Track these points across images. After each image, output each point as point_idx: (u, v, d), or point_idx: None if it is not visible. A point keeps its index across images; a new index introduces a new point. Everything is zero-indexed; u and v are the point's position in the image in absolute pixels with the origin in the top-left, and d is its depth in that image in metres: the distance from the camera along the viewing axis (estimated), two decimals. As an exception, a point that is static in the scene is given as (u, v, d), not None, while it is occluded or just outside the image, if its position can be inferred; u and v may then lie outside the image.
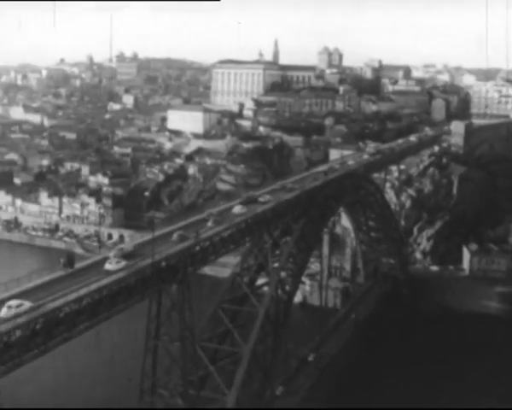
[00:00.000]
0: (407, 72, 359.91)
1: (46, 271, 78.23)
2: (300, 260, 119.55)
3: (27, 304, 65.55)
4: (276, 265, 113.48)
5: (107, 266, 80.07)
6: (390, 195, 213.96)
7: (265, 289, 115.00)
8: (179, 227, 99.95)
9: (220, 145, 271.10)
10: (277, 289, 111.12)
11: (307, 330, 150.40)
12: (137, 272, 78.37)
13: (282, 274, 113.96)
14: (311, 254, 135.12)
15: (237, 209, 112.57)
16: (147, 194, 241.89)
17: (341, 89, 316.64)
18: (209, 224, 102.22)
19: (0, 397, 58.55)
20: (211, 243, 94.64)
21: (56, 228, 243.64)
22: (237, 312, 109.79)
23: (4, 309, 64.38)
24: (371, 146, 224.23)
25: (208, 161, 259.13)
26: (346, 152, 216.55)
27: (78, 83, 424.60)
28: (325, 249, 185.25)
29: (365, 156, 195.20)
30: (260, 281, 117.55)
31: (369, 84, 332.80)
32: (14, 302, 65.19)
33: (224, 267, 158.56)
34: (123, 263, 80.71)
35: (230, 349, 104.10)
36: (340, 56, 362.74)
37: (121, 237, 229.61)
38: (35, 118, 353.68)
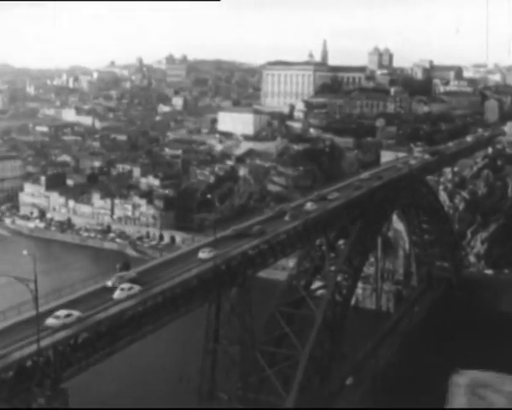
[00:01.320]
0: (458, 72, 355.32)
1: (102, 276, 77.79)
2: (357, 263, 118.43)
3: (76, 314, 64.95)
4: (332, 268, 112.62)
5: None
6: (443, 197, 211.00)
7: (322, 292, 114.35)
8: (258, 221, 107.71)
9: (271, 147, 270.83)
10: (334, 293, 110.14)
11: (361, 334, 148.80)
12: (198, 276, 78.17)
13: (339, 277, 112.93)
14: (367, 258, 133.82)
15: (309, 206, 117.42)
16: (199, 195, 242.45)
17: (392, 90, 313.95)
18: (286, 218, 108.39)
19: (68, 399, 58.70)
20: (270, 246, 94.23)
21: (108, 229, 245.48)
22: (294, 315, 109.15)
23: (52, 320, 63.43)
24: (417, 150, 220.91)
25: (259, 162, 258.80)
26: (400, 154, 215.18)
27: (128, 85, 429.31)
28: (378, 252, 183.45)
29: (414, 159, 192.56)
30: (316, 284, 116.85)
31: (420, 85, 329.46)
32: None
33: (275, 270, 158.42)
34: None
35: (288, 353, 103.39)
36: (391, 57, 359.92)
37: (172, 239, 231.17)
38: (86, 120, 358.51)
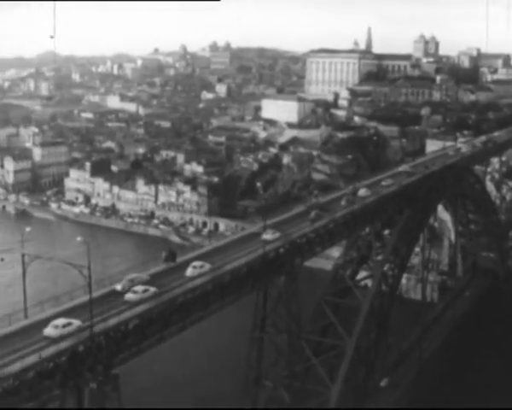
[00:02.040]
0: (506, 60, 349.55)
1: (149, 263, 77.92)
2: (403, 253, 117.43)
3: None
4: (379, 257, 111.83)
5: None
6: (490, 187, 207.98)
7: (368, 282, 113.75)
8: (312, 205, 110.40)
9: (315, 135, 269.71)
10: (381, 283, 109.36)
11: (406, 325, 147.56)
12: (247, 264, 78.07)
13: (386, 267, 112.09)
14: (414, 248, 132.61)
15: (362, 192, 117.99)
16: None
17: (438, 78, 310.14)
18: (342, 202, 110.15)
19: (119, 384, 59.20)
20: (317, 235, 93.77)
21: (152, 215, 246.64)
22: (340, 304, 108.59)
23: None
24: (461, 140, 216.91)
25: (303, 150, 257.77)
26: (447, 143, 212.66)
27: (172, 72, 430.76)
28: (424, 242, 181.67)
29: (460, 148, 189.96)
30: (362, 274, 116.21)
31: (466, 74, 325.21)
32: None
33: (319, 258, 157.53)
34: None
35: (333, 342, 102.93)
36: (437, 45, 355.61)
37: (216, 226, 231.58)
38: (131, 107, 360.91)
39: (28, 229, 70.97)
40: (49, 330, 58.15)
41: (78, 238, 65.08)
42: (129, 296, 67.14)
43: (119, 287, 69.29)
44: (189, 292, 69.27)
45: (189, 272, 74.44)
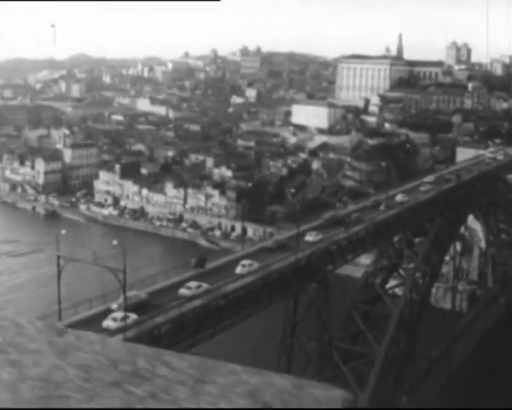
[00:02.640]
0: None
1: (179, 269, 77.81)
2: (435, 262, 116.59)
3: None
4: (410, 266, 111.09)
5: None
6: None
7: (398, 290, 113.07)
8: (356, 209, 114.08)
9: (345, 141, 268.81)
10: (412, 291, 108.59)
11: (435, 334, 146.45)
12: (279, 270, 77.89)
13: (417, 276, 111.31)
14: (445, 257, 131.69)
15: (400, 197, 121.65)
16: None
17: (470, 85, 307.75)
18: (382, 208, 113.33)
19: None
20: (349, 242, 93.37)
21: (180, 219, 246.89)
22: (370, 312, 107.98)
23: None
24: (489, 150, 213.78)
25: (332, 156, 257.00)
26: (478, 151, 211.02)
27: (202, 76, 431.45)
28: (455, 251, 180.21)
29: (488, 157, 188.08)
30: (392, 282, 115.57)
31: (499, 81, 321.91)
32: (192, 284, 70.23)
33: (348, 265, 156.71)
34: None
35: (363, 350, 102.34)
36: (469, 52, 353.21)
37: (244, 230, 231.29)
38: (160, 110, 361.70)
39: (64, 231, 70.68)
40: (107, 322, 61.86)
41: (114, 242, 64.96)
42: (183, 291, 69.46)
43: (114, 306, 65.16)
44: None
45: (239, 270, 77.71)
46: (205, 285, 70.55)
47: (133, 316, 64.07)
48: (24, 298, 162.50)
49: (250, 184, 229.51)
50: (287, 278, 79.27)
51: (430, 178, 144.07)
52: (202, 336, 66.65)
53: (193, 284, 70.53)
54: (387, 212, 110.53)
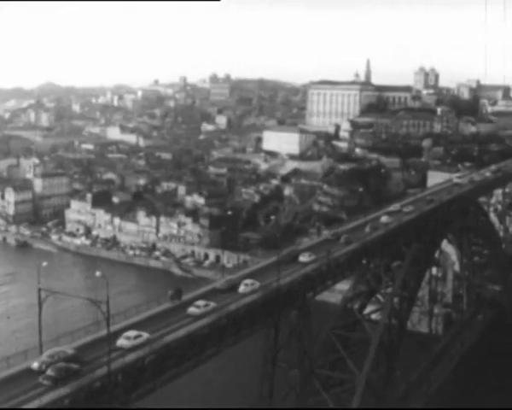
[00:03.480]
0: (506, 92, 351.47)
1: (154, 303, 76.25)
2: (412, 287, 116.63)
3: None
4: (388, 290, 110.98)
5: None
6: (493, 219, 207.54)
7: (376, 315, 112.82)
8: (344, 230, 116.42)
9: (316, 166, 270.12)
10: (390, 317, 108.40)
11: (412, 358, 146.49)
12: (263, 297, 77.41)
13: (395, 300, 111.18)
14: (422, 281, 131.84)
15: (384, 219, 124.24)
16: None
17: (439, 110, 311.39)
18: (367, 229, 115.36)
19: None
20: (328, 269, 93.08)
21: (153, 247, 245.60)
22: (349, 338, 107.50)
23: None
24: (456, 175, 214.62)
25: (304, 182, 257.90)
26: (446, 175, 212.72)
27: (172, 104, 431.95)
28: (431, 275, 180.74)
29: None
30: (371, 307, 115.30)
31: (467, 105, 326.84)
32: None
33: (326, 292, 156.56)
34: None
35: (343, 376, 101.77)
36: (437, 77, 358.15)
37: (217, 258, 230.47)
38: (131, 138, 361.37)
39: (45, 263, 69.44)
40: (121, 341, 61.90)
41: (97, 273, 63.57)
42: (192, 310, 71.53)
43: (35, 365, 57.68)
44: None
45: (242, 289, 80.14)
46: (212, 304, 72.75)
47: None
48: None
49: (228, 212, 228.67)
50: (267, 305, 78.73)
51: (396, 206, 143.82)
52: (186, 366, 65.85)
53: (201, 303, 73.01)
54: (372, 234, 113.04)
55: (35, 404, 51.27)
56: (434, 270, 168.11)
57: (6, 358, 56.33)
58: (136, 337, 63.04)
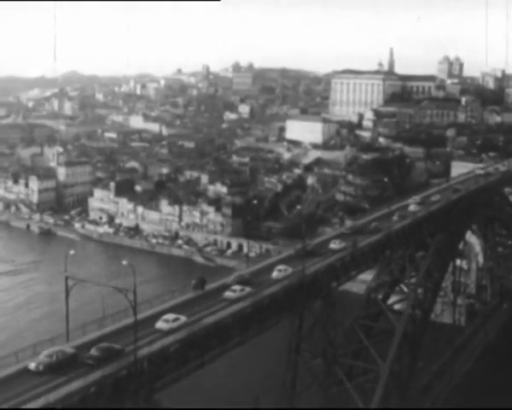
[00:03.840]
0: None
1: (177, 292, 76.37)
2: (437, 277, 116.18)
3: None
4: (412, 281, 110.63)
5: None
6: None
7: (400, 305, 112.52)
8: (374, 218, 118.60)
9: (339, 156, 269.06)
10: (414, 307, 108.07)
11: (435, 349, 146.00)
12: (286, 287, 77.37)
13: (419, 291, 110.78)
14: (446, 271, 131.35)
15: (412, 207, 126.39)
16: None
17: (463, 99, 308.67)
18: (395, 217, 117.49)
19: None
20: (352, 258, 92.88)
21: (176, 236, 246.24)
22: (372, 328, 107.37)
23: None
24: (479, 166, 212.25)
25: (327, 171, 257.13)
26: (470, 165, 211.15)
27: (194, 92, 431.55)
28: (455, 266, 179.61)
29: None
30: (394, 297, 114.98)
31: (491, 95, 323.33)
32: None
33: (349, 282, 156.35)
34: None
35: (367, 366, 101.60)
36: (461, 66, 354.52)
37: (240, 247, 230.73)
38: (154, 127, 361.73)
39: (72, 252, 69.71)
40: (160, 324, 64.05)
41: (124, 262, 63.82)
42: (228, 294, 73.69)
43: (32, 365, 55.15)
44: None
45: (275, 274, 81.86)
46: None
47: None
48: (24, 318, 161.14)
49: (240, 200, 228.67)
50: (292, 295, 78.72)
51: (416, 198, 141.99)
52: (211, 354, 66.01)
53: (237, 287, 74.86)
54: (401, 222, 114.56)
55: (80, 383, 51.97)
56: (458, 261, 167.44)
57: (34, 345, 56.64)
58: (174, 320, 65.05)
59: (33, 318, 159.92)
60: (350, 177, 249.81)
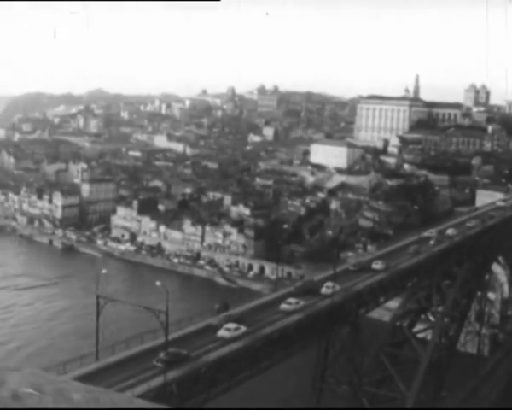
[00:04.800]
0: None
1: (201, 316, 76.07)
2: (463, 306, 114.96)
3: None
4: (439, 309, 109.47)
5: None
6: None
7: (425, 334, 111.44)
8: (410, 242, 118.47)
9: (363, 181, 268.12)
10: (441, 336, 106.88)
11: (458, 377, 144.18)
12: (314, 313, 76.69)
13: (446, 320, 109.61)
14: (473, 301, 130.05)
15: (450, 231, 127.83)
16: (289, 227, 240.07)
17: (490, 128, 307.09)
18: (431, 242, 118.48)
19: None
20: (381, 286, 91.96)
21: (198, 256, 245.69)
22: (397, 356, 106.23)
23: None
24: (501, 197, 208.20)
25: (351, 196, 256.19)
26: (496, 194, 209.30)
27: (219, 114, 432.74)
28: (482, 295, 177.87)
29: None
30: (419, 326, 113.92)
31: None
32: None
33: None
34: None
35: (391, 395, 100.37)
36: (487, 94, 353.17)
37: (262, 269, 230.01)
38: (178, 147, 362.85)
39: (104, 271, 69.42)
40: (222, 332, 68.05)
41: (157, 283, 63.51)
42: (284, 307, 76.61)
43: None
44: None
45: (324, 290, 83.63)
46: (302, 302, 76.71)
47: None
48: (48, 334, 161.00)
49: (263, 222, 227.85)
50: (320, 321, 77.95)
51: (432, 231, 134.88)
52: (238, 379, 65.36)
53: (293, 300, 77.89)
54: (438, 245, 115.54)
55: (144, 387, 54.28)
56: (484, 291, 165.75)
57: (63, 363, 56.14)
58: (235, 329, 68.88)
59: (58, 333, 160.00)
60: (374, 202, 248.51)
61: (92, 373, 55.08)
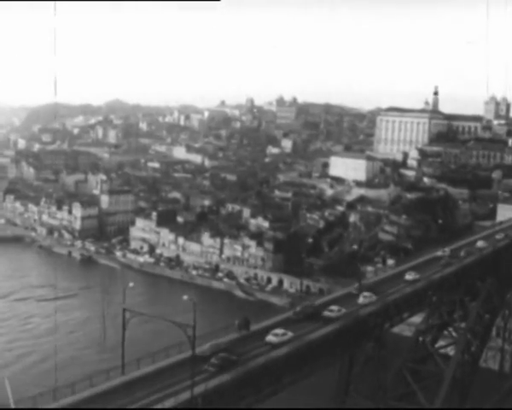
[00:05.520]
0: None
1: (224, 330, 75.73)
2: (487, 322, 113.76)
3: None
4: (462, 325, 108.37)
5: None
6: None
7: (448, 349, 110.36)
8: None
9: (383, 194, 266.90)
10: (464, 352, 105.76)
11: (479, 393, 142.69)
12: (339, 328, 76.08)
13: (469, 336, 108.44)
14: (497, 317, 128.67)
15: (480, 243, 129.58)
16: (310, 240, 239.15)
17: (510, 141, 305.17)
18: (462, 253, 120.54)
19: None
20: (405, 301, 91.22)
21: (216, 268, 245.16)
22: (420, 371, 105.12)
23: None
24: None
25: (370, 209, 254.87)
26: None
27: (238, 125, 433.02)
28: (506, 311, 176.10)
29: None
30: (442, 341, 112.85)
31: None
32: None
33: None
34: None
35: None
36: (508, 106, 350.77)
37: (280, 282, 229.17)
38: (196, 158, 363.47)
39: (131, 284, 69.16)
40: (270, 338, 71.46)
41: (185, 297, 63.32)
42: (326, 313, 79.87)
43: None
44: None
45: (361, 300, 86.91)
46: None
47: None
48: (68, 344, 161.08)
49: (282, 235, 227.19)
50: (345, 335, 77.29)
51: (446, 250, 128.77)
52: (263, 394, 64.77)
53: (334, 307, 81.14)
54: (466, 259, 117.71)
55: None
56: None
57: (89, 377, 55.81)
58: (283, 335, 71.82)
59: (81, 346, 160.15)
60: (393, 216, 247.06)
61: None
